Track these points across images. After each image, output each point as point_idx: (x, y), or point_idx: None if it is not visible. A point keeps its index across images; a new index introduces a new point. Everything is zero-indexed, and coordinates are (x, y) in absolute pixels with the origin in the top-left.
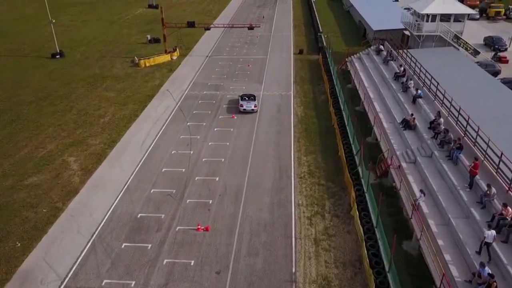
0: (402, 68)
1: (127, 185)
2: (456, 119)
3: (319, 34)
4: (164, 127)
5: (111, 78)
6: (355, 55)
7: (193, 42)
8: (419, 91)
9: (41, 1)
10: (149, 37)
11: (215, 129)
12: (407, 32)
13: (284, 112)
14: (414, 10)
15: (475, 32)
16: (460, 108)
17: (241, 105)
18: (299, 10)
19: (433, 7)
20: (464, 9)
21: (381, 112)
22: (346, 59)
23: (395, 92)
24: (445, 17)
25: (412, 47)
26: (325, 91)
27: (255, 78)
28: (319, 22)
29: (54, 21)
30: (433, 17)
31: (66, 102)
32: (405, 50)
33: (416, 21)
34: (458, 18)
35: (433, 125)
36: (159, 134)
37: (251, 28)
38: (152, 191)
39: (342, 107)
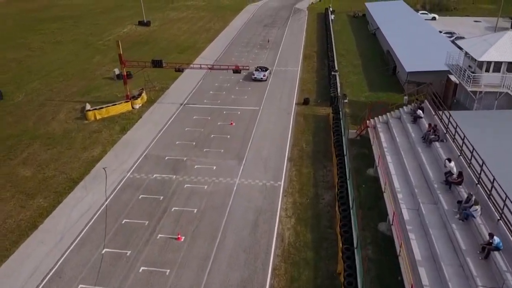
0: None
1: None
2: None
3: (333, 73)
4: (64, 255)
5: (41, 139)
6: (380, 118)
7: (172, 78)
8: (496, 240)
9: (16, 17)
10: (116, 71)
11: (141, 269)
12: (454, 78)
13: (261, 234)
14: (467, 54)
15: None
16: None
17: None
18: (314, 31)
19: (497, 51)
20: None
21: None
22: (367, 122)
23: (450, 222)
24: None
25: (463, 103)
26: (332, 183)
27: (235, 149)
28: (335, 51)
29: None
30: (497, 65)
31: None
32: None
33: (470, 69)
34: None
35: None
36: (50, 274)
37: (236, 71)
38: None
39: (355, 239)
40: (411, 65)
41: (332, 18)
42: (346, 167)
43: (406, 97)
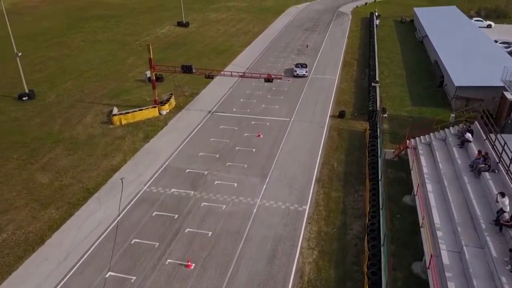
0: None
1: None
2: None
3: (373, 84)
4: (66, 277)
5: (64, 143)
6: (422, 138)
7: (203, 83)
8: None
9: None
10: (148, 74)
11: None
12: (511, 96)
13: (279, 267)
14: None
15: None
16: None
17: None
18: (356, 37)
19: None
20: None
21: None
22: (407, 142)
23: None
24: None
25: None
26: (363, 211)
27: (259, 164)
28: (377, 60)
29: (20, 54)
30: None
31: None
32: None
33: None
34: None
35: None
36: None
37: (268, 80)
38: None
39: (384, 285)
40: (461, 78)
41: (377, 23)
42: (380, 195)
43: (453, 115)
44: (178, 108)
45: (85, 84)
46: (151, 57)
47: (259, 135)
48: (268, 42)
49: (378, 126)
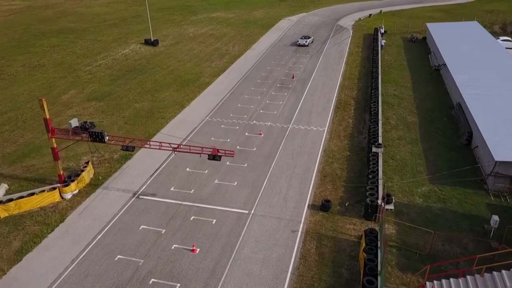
0: None
1: None
2: None
3: (374, 149)
4: None
5: None
6: (450, 282)
7: (149, 132)
8: None
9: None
10: (73, 123)
11: None
12: None
13: None
14: None
15: None
16: None
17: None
18: (357, 62)
19: None
20: None
21: None
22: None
23: None
24: None
25: None
26: None
27: None
28: (381, 98)
29: None
30: None
31: None
32: None
33: None
34: None
35: None
36: None
37: (214, 157)
38: None
39: None
40: (503, 148)
41: (383, 43)
42: None
43: (489, 223)
44: (93, 186)
45: None
46: (47, 116)
47: (194, 250)
48: (246, 69)
49: (379, 245)
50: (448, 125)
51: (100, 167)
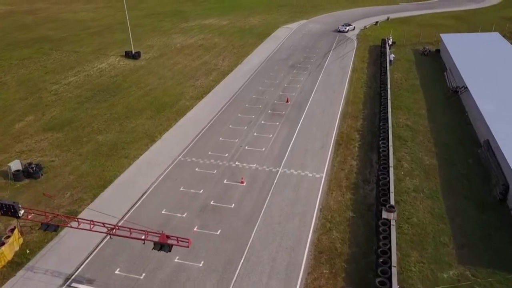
0: None
1: None
2: None
3: (383, 217)
4: None
5: None
6: None
7: (96, 188)
8: None
9: None
10: (13, 166)
11: None
12: None
13: None
14: None
15: None
16: None
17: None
18: (362, 81)
19: None
20: None
21: None
22: None
23: None
24: None
25: None
26: None
27: None
28: (391, 132)
29: None
30: None
31: None
32: None
33: None
34: None
35: None
36: None
37: (162, 246)
38: None
39: None
40: None
41: (392, 57)
42: None
43: None
44: (14, 266)
45: None
46: None
47: None
48: (234, 90)
49: None
50: (475, 170)
51: (33, 232)
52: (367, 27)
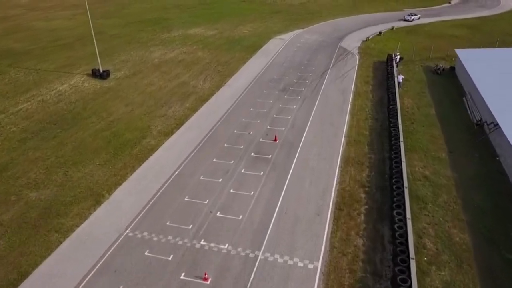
0: None
1: None
2: None
3: None
4: None
5: None
6: None
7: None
8: None
9: None
10: None
11: None
12: None
13: None
14: None
15: None
16: None
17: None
18: (366, 111)
19: None
20: None
21: None
22: None
23: None
24: None
25: None
26: None
27: None
28: (407, 192)
29: None
30: None
31: None
32: None
33: None
34: None
35: None
36: None
37: None
38: None
39: None
40: None
41: (400, 79)
42: None
43: None
44: None
45: None
46: None
47: None
48: (212, 123)
49: None
50: None
51: None
52: (369, 38)
